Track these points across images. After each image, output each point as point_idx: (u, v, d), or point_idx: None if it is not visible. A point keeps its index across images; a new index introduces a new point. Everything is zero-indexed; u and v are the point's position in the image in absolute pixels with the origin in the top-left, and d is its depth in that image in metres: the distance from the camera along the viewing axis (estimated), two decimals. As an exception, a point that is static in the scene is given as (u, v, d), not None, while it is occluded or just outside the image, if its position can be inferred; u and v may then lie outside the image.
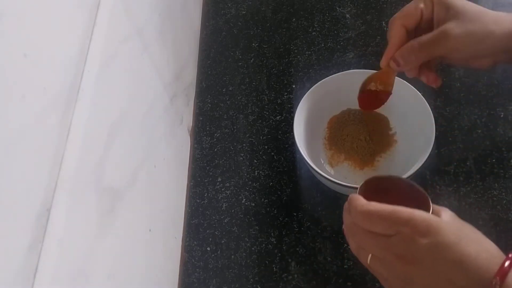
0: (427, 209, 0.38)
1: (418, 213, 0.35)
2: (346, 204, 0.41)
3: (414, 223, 0.35)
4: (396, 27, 0.48)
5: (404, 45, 0.48)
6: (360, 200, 0.38)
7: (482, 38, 0.44)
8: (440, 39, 0.45)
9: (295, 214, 0.62)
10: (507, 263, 0.32)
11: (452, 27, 0.44)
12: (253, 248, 0.61)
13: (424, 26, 0.48)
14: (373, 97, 0.56)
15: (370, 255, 0.38)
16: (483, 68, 0.48)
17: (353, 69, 0.66)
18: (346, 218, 0.40)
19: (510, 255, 0.33)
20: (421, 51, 0.46)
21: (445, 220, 0.36)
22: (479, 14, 0.45)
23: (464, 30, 0.44)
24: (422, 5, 0.47)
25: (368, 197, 0.39)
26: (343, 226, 0.41)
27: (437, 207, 0.39)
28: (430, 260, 0.34)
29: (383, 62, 0.50)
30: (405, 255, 0.35)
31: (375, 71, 0.60)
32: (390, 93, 0.55)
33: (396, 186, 0.43)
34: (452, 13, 0.45)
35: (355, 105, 0.66)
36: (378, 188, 0.43)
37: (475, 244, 0.34)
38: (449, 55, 0.47)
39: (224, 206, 0.65)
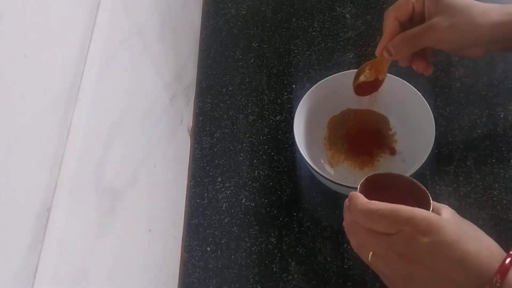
0: (427, 206, 0.38)
1: (418, 212, 0.35)
2: (346, 202, 0.41)
3: (414, 221, 0.35)
4: (389, 19, 0.51)
5: (396, 36, 0.51)
6: (360, 199, 0.39)
7: (468, 31, 0.46)
8: (427, 32, 0.48)
9: (295, 214, 0.62)
10: (507, 260, 0.33)
11: (438, 20, 0.47)
12: (253, 248, 0.61)
13: (416, 18, 0.50)
14: (368, 86, 0.59)
15: (371, 253, 0.38)
16: (475, 57, 0.50)
17: (353, 69, 0.65)
18: (347, 216, 0.40)
19: (510, 252, 0.33)
20: (410, 42, 0.49)
21: (445, 218, 0.36)
22: (467, 7, 0.47)
23: (450, 24, 0.46)
24: (413, 0, 0.50)
25: (369, 194, 0.39)
26: (344, 224, 0.41)
27: (437, 205, 0.39)
28: (431, 259, 0.34)
29: (377, 51, 0.53)
30: (406, 253, 0.35)
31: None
32: (383, 80, 0.58)
33: (397, 183, 0.43)
34: (441, 6, 0.47)
35: (355, 105, 0.66)
36: (378, 185, 0.43)
37: (476, 242, 0.34)
38: (437, 46, 0.49)
39: (224, 206, 0.65)
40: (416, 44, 0.49)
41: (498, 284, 0.32)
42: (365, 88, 0.59)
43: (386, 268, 0.37)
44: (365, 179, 0.43)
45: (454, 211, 0.38)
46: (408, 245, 0.35)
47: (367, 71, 0.57)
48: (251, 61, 0.78)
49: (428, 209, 0.37)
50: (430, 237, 0.34)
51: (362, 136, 0.65)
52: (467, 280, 0.33)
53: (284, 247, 0.60)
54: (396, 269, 0.36)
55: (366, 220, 0.37)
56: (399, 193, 0.42)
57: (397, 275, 0.36)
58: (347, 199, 0.41)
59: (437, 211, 0.37)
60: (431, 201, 0.39)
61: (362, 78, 0.57)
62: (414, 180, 0.42)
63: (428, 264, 0.34)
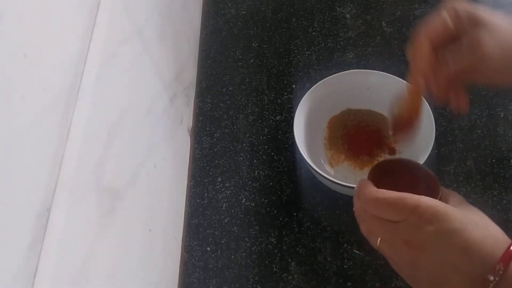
0: (436, 191, 0.38)
1: (424, 200, 0.35)
2: (356, 189, 0.41)
3: (420, 210, 0.35)
4: (422, 43, 0.44)
5: (432, 58, 0.44)
6: (368, 187, 0.39)
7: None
8: (471, 47, 0.42)
9: (295, 214, 0.62)
10: None
11: (481, 33, 0.41)
12: (253, 248, 0.61)
13: (448, 39, 0.44)
14: (403, 123, 0.51)
15: (379, 239, 0.38)
16: (510, 85, 0.45)
17: (353, 69, 0.66)
18: (356, 203, 0.41)
19: None
20: (452, 63, 0.43)
21: (452, 206, 0.36)
22: (508, 21, 0.42)
23: (494, 36, 0.41)
24: (447, 18, 0.43)
25: (379, 180, 0.40)
26: (354, 209, 0.42)
27: (446, 191, 0.39)
28: (436, 247, 0.34)
29: (412, 83, 0.46)
30: (411, 241, 0.36)
31: (373, 71, 0.60)
32: (418, 118, 0.50)
33: (406, 169, 0.44)
34: (479, 23, 0.42)
35: (355, 105, 0.66)
36: (388, 171, 0.43)
37: (481, 230, 0.34)
38: (481, 66, 0.42)
39: (224, 206, 0.65)
40: (460, 64, 0.42)
41: (501, 272, 0.32)
42: (399, 127, 0.51)
43: (393, 254, 0.38)
44: (375, 165, 0.43)
45: (462, 198, 0.38)
46: (413, 233, 0.35)
47: (398, 111, 0.49)
48: (251, 61, 0.78)
49: (437, 194, 0.38)
50: (435, 226, 0.34)
51: (362, 136, 0.65)
52: (472, 268, 0.33)
53: (284, 247, 0.60)
54: (402, 256, 0.37)
55: (373, 208, 0.38)
56: (409, 179, 0.42)
57: (402, 262, 0.37)
58: (356, 186, 0.41)
59: (445, 198, 0.38)
60: (440, 187, 0.39)
61: (395, 114, 0.50)
62: (424, 166, 0.42)
63: (432, 252, 0.35)
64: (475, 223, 0.35)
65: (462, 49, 0.42)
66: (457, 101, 0.46)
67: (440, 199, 0.38)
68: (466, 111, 0.47)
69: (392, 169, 0.44)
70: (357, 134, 0.65)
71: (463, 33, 0.43)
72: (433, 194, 0.38)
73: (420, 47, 0.44)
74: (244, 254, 0.60)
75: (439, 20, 0.43)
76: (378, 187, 0.39)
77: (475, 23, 0.42)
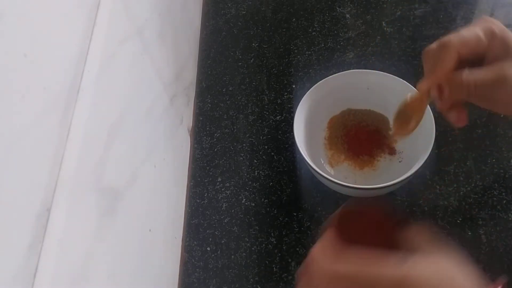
0: (394, 233, 0.36)
1: (384, 273, 0.31)
2: (307, 260, 0.36)
3: (382, 286, 0.31)
4: (450, 53, 0.40)
5: (456, 74, 0.40)
6: (321, 261, 0.35)
7: None
8: (497, 81, 0.39)
9: (295, 214, 0.62)
10: None
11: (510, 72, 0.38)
12: (253, 248, 0.61)
13: (473, 57, 0.41)
14: (404, 123, 0.50)
15: None
16: None
17: (353, 69, 0.66)
18: (308, 272, 0.35)
19: None
20: (475, 89, 0.40)
21: (416, 248, 0.33)
22: None
23: None
24: (481, 35, 0.40)
25: (340, 232, 0.38)
26: (298, 274, 0.37)
27: (412, 229, 0.36)
28: None
29: (423, 86, 0.44)
30: None
31: (373, 71, 0.60)
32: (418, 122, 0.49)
33: (369, 214, 0.41)
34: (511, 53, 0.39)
35: (355, 105, 0.66)
36: (350, 220, 0.41)
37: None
38: (499, 100, 0.41)
39: (224, 206, 0.65)
40: (480, 94, 0.40)
41: None
42: (400, 127, 0.50)
43: None
44: (336, 214, 0.41)
45: (429, 237, 0.34)
46: None
47: (403, 111, 0.48)
48: (251, 61, 0.78)
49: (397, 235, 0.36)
50: None
51: (362, 136, 0.65)
52: None
53: (284, 247, 0.60)
54: None
55: (327, 284, 0.33)
56: (373, 225, 0.39)
57: None
58: (308, 258, 0.36)
59: (411, 238, 0.35)
60: (401, 235, 0.36)
61: (398, 114, 0.49)
62: (388, 206, 0.39)
63: None
64: (439, 283, 0.30)
65: (486, 79, 0.39)
66: (457, 116, 0.45)
67: (405, 238, 0.35)
68: (463, 125, 0.44)
69: (355, 216, 0.41)
70: (357, 134, 0.65)
71: (493, 58, 0.40)
72: (399, 235, 0.35)
73: (447, 57, 0.40)
74: (244, 254, 0.60)
75: (473, 35, 0.40)
76: (342, 238, 0.36)
77: (508, 52, 0.39)
